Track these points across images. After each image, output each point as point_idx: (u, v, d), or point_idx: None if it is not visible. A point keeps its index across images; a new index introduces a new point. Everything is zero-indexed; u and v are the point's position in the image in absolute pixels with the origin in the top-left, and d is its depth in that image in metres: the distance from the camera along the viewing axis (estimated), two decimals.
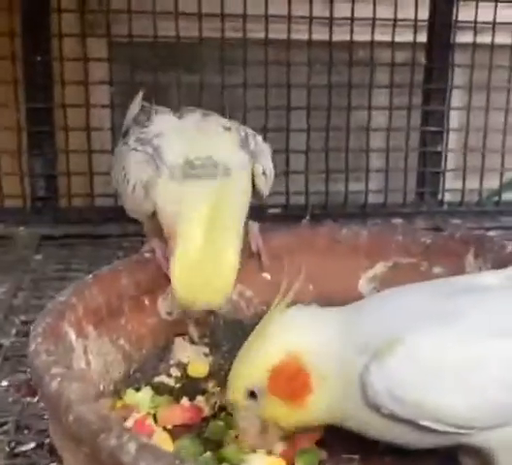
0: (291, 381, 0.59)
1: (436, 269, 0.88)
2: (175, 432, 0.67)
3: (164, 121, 0.83)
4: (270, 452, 0.63)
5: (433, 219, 1.36)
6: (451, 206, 1.40)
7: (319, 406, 0.59)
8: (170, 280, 0.71)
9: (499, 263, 0.84)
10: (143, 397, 0.70)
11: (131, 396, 0.71)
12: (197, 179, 0.74)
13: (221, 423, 0.68)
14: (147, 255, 0.80)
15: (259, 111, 1.29)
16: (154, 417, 0.69)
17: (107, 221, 1.25)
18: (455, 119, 1.41)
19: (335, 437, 0.66)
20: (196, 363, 0.79)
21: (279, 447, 0.64)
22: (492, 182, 1.43)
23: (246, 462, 0.61)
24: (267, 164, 0.81)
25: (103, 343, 0.72)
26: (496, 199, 1.41)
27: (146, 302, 0.79)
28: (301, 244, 0.88)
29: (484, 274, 0.68)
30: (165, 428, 0.68)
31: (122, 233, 1.23)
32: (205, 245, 0.69)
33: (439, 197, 1.40)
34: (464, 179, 1.39)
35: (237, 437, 0.66)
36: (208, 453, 0.63)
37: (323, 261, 0.89)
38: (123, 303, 0.76)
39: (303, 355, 0.59)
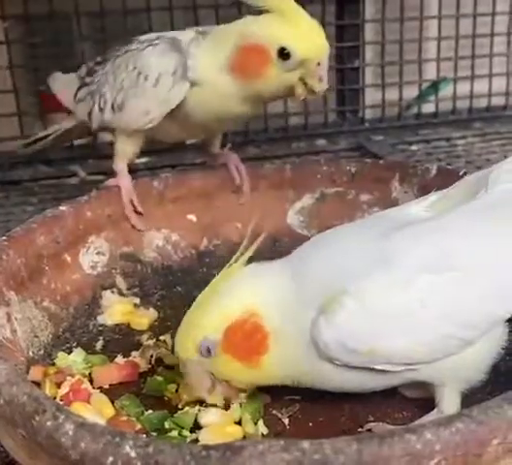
0: (247, 339, 0.57)
1: (364, 197, 0.87)
2: (112, 391, 0.66)
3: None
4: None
5: (356, 137, 1.34)
6: (372, 123, 1.38)
7: (274, 365, 0.58)
8: (114, 220, 0.77)
9: (424, 187, 0.83)
10: (75, 359, 0.68)
11: (63, 359, 0.68)
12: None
13: (160, 378, 0.66)
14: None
15: None
16: (90, 377, 0.67)
17: (15, 165, 1.19)
18: (369, 32, 1.37)
19: None
20: (134, 317, 0.76)
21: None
22: (412, 94, 1.42)
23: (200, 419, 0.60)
24: None
25: (27, 307, 0.69)
26: (416, 111, 1.40)
27: (68, 258, 0.75)
28: (223, 184, 0.85)
29: (408, 205, 0.66)
30: (102, 389, 0.66)
31: (32, 178, 1.18)
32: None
33: (360, 114, 1.37)
34: (383, 94, 1.36)
35: (177, 391, 0.65)
36: (150, 412, 0.62)
37: (248, 198, 0.86)
38: (43, 263, 0.72)
39: (261, 312, 0.57)
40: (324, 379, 0.59)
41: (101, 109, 0.83)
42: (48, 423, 0.46)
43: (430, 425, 0.45)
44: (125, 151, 0.84)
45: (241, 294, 0.58)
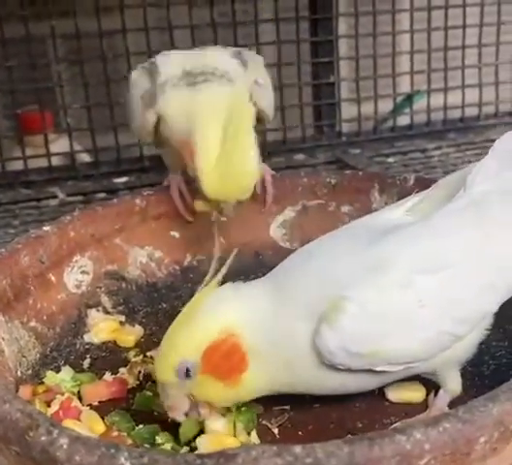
0: (226, 359, 0.57)
1: (344, 208, 0.88)
2: (102, 408, 0.66)
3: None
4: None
5: (334, 151, 1.35)
6: (349, 137, 1.39)
7: (254, 382, 0.58)
8: (98, 238, 0.75)
9: (404, 197, 0.84)
10: (63, 378, 0.68)
11: (52, 378, 0.68)
12: (201, 86, 0.74)
13: (149, 394, 0.66)
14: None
15: (142, 55, 1.23)
16: (79, 395, 0.67)
17: None
18: (343, 48, 1.40)
19: None
20: (120, 334, 0.77)
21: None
22: (387, 108, 1.44)
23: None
24: (260, 73, 0.81)
25: (14, 328, 0.69)
26: (391, 124, 1.42)
27: (53, 278, 0.76)
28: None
29: (387, 211, 0.67)
30: (91, 406, 0.66)
31: (12, 200, 1.18)
32: (226, 142, 0.69)
33: (337, 128, 1.39)
34: (359, 108, 1.38)
35: None
36: (141, 427, 0.62)
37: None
38: (28, 283, 0.72)
39: (238, 332, 0.58)
40: (321, 385, 0.60)
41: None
42: (43, 438, 0.46)
43: (418, 425, 0.45)
44: (170, 160, 0.86)
45: (217, 314, 0.58)
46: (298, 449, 0.44)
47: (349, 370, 0.57)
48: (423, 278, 0.57)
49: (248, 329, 0.58)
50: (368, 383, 0.60)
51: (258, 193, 0.85)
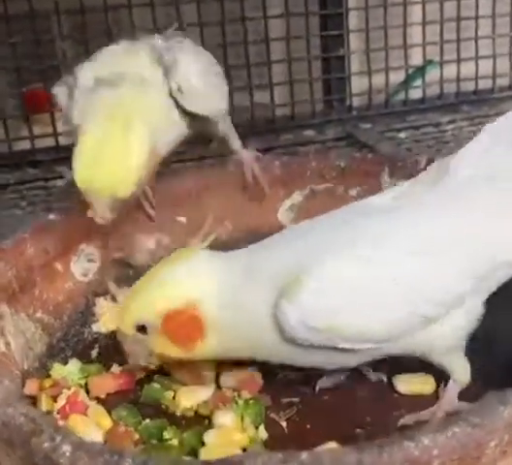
0: (183, 327, 0.58)
1: (353, 192, 0.87)
2: (109, 401, 0.65)
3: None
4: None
5: (343, 126, 1.33)
6: (360, 111, 1.37)
7: (210, 350, 0.59)
8: (104, 226, 0.70)
9: None
10: (71, 370, 0.68)
11: (59, 370, 0.68)
12: (104, 90, 0.71)
13: (157, 386, 0.66)
14: None
15: (146, 31, 1.21)
16: (86, 388, 0.67)
17: (1, 169, 1.18)
18: (353, 20, 1.36)
19: (271, 383, 0.66)
20: None
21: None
22: (398, 81, 1.41)
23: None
24: (182, 79, 0.75)
25: (20, 320, 0.68)
26: (403, 97, 1.39)
27: (59, 267, 0.75)
28: (211, 184, 0.85)
29: (374, 197, 0.65)
30: (98, 398, 0.66)
31: (20, 181, 1.17)
32: (107, 138, 0.67)
33: (347, 103, 1.37)
34: (369, 81, 1.36)
35: (174, 398, 0.65)
36: (148, 421, 0.62)
37: (238, 197, 0.86)
38: (34, 273, 0.72)
39: (201, 304, 0.58)
40: (287, 359, 0.60)
41: None
42: (46, 445, 0.46)
43: (426, 431, 0.45)
44: None
45: (184, 283, 0.59)
46: (304, 455, 0.43)
47: (313, 346, 0.57)
48: (388, 257, 0.56)
49: (212, 303, 0.58)
50: (340, 360, 0.59)
51: (248, 181, 0.84)
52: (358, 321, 0.56)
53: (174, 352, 0.60)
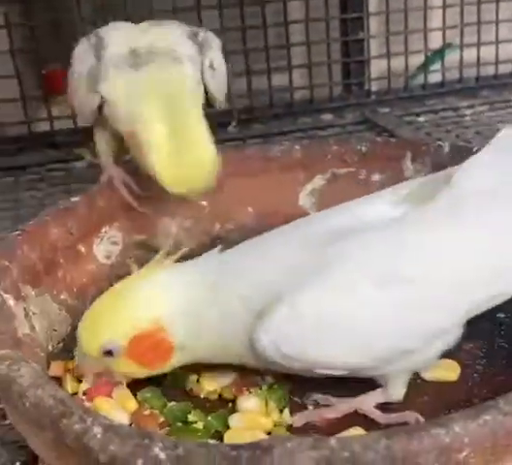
0: (152, 349, 0.57)
1: (375, 176, 0.86)
2: (134, 384, 0.65)
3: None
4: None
5: (362, 110, 1.32)
6: (378, 95, 1.36)
7: (175, 364, 0.59)
8: (127, 208, 0.73)
9: (438, 165, 0.82)
10: None
11: None
12: (147, 67, 0.69)
13: (181, 369, 0.66)
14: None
15: (166, 13, 1.20)
16: None
17: (21, 150, 1.19)
18: (373, 3, 1.35)
19: None
20: None
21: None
22: (418, 64, 1.40)
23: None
24: (215, 57, 0.76)
25: (44, 301, 0.69)
26: (422, 81, 1.38)
27: (82, 250, 0.75)
28: (232, 169, 0.84)
29: (375, 199, 0.63)
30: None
31: (39, 163, 1.17)
32: (176, 132, 0.66)
33: (366, 87, 1.36)
34: (388, 64, 1.35)
35: (198, 381, 0.65)
36: (173, 404, 0.62)
37: (259, 182, 0.85)
38: (58, 255, 0.72)
39: (168, 325, 0.57)
40: (266, 370, 0.60)
41: None
42: (76, 426, 0.46)
43: (457, 418, 0.45)
44: (103, 148, 0.82)
45: (151, 303, 0.57)
46: (333, 441, 0.43)
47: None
48: (367, 289, 0.54)
49: (180, 323, 0.57)
50: (312, 374, 0.58)
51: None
52: (333, 352, 0.55)
53: (137, 372, 0.59)
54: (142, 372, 0.60)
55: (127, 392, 0.63)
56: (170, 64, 0.70)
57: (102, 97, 0.72)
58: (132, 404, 0.62)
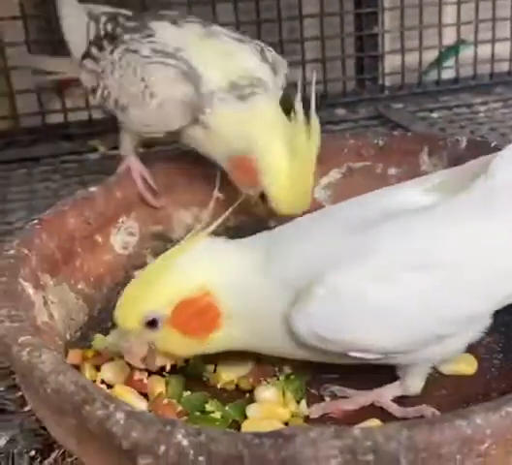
0: (198, 317, 0.56)
1: (392, 170, 0.86)
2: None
3: (170, 32, 0.79)
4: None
5: (375, 105, 1.32)
6: (392, 91, 1.36)
7: (220, 341, 0.58)
8: (141, 199, 0.78)
9: (454, 160, 0.82)
10: (111, 341, 0.68)
11: (100, 341, 0.68)
12: (251, 100, 0.73)
13: (198, 358, 0.66)
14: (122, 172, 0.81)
15: (181, 7, 1.20)
16: None
17: (35, 142, 1.19)
18: None
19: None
20: None
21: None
22: (431, 60, 1.40)
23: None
24: (283, 77, 0.81)
25: (62, 290, 0.69)
26: (436, 77, 1.38)
27: (100, 240, 0.75)
28: None
29: (407, 187, 0.63)
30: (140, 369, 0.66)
31: (53, 154, 1.17)
32: (293, 159, 0.71)
33: (380, 82, 1.36)
34: (402, 60, 1.35)
35: (215, 371, 0.65)
36: (190, 394, 0.62)
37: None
38: (75, 245, 0.72)
39: (216, 292, 0.56)
40: (290, 355, 0.60)
41: (104, 98, 0.81)
42: (99, 412, 0.46)
43: (479, 410, 0.45)
44: (128, 141, 0.83)
45: (197, 270, 0.56)
46: (357, 431, 0.43)
47: (323, 350, 0.56)
48: (406, 274, 0.54)
49: (227, 291, 0.56)
50: (353, 361, 0.58)
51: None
52: (368, 336, 0.55)
53: (181, 345, 0.58)
54: (185, 346, 0.57)
55: (159, 377, 0.62)
56: (265, 94, 0.74)
57: (199, 122, 0.74)
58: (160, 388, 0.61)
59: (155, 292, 0.56)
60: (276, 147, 0.71)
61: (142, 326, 0.56)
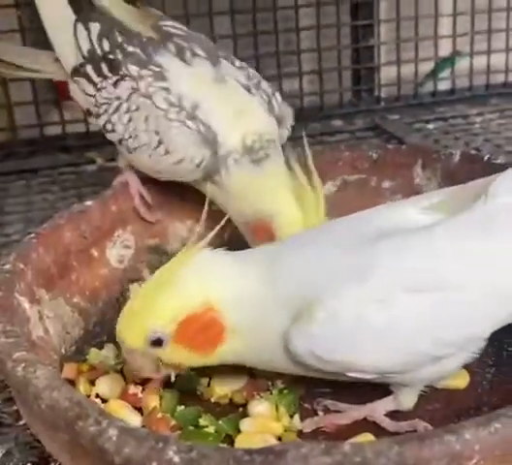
0: (203, 332, 0.56)
1: (386, 184, 0.87)
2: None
3: (183, 77, 0.76)
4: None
5: (371, 117, 1.33)
6: (388, 102, 1.37)
7: (225, 355, 0.58)
8: (136, 213, 0.79)
9: (448, 173, 0.83)
10: (107, 355, 0.68)
11: (95, 356, 0.68)
12: (265, 161, 0.74)
13: (191, 372, 0.66)
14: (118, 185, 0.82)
15: (179, 19, 1.20)
16: (121, 373, 0.68)
17: (33, 153, 1.20)
18: (383, 11, 1.36)
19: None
20: None
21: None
22: (427, 71, 1.41)
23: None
24: (289, 128, 0.82)
25: (58, 304, 0.70)
26: (432, 89, 1.39)
27: (95, 253, 0.76)
28: None
29: (406, 204, 0.62)
30: (135, 383, 0.67)
31: (51, 166, 1.18)
32: (303, 218, 0.71)
33: (376, 93, 1.37)
34: (398, 71, 1.35)
35: (209, 385, 0.66)
36: (183, 408, 0.63)
37: None
38: (71, 258, 0.73)
39: (219, 305, 0.55)
40: (289, 371, 0.60)
41: (106, 129, 0.79)
42: (92, 429, 0.47)
43: (468, 426, 0.45)
44: (128, 163, 0.83)
45: (199, 285, 0.56)
46: (347, 447, 0.44)
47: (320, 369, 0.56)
48: (404, 295, 0.54)
49: (230, 306, 0.56)
50: (338, 377, 0.58)
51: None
52: (365, 356, 0.55)
53: (187, 359, 0.58)
54: (191, 359, 0.58)
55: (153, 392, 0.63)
56: (275, 153, 0.75)
57: (213, 181, 0.75)
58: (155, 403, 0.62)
59: (158, 309, 0.55)
60: (290, 206, 0.71)
61: (146, 345, 0.56)
